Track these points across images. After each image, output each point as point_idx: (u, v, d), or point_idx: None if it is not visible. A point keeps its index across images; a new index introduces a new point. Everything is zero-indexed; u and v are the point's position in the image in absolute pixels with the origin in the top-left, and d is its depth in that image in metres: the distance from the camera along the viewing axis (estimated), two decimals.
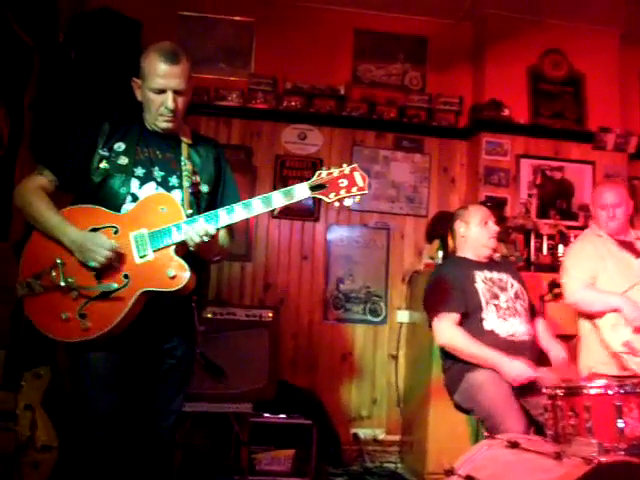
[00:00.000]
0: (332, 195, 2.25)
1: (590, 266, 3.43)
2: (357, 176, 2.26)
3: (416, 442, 4.38)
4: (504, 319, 3.13)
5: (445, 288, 3.22)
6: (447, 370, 3.24)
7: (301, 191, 2.25)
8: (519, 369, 2.93)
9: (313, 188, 2.25)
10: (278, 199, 2.25)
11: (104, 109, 2.48)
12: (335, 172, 2.26)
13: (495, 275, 3.28)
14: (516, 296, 3.25)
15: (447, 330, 3.12)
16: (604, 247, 3.48)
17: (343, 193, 2.24)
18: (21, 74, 3.77)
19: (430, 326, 3.25)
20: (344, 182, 2.25)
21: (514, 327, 3.12)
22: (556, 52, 5.22)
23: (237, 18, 5.08)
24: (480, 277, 3.24)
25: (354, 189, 2.25)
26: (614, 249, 3.47)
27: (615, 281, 3.38)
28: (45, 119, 3.85)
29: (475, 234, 3.38)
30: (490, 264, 3.39)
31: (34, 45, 3.84)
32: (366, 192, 2.26)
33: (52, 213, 2.29)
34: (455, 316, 3.13)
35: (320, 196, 2.25)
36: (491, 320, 3.12)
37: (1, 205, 3.46)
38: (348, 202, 2.26)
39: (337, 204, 2.25)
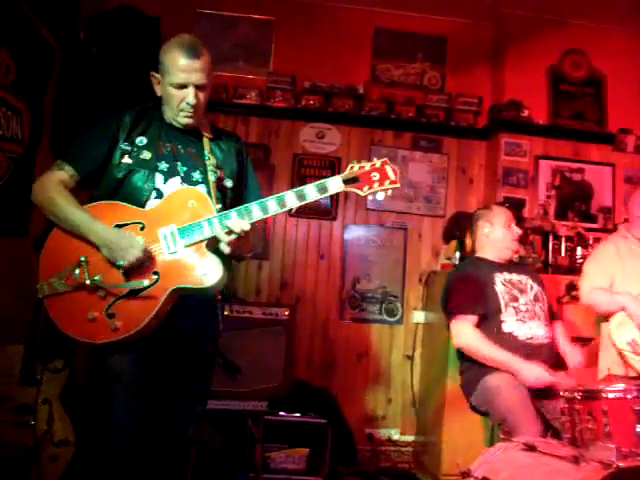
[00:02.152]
0: (366, 188, 2.25)
1: (607, 268, 3.43)
2: (389, 170, 2.27)
3: (431, 443, 4.36)
4: (523, 322, 3.11)
5: (464, 289, 3.21)
6: (464, 372, 3.23)
7: (335, 184, 2.24)
8: (537, 373, 2.92)
9: (346, 181, 2.25)
10: (312, 192, 2.23)
11: (124, 105, 2.44)
12: (367, 166, 2.26)
13: (515, 277, 3.26)
14: (535, 298, 3.23)
15: (465, 332, 3.11)
16: (627, 248, 3.46)
17: (376, 186, 2.25)
18: (42, 71, 3.80)
19: (448, 327, 3.23)
20: (376, 175, 2.25)
21: (533, 330, 3.11)
22: (577, 52, 5.18)
23: (256, 16, 5.09)
24: (500, 279, 3.22)
25: (387, 182, 2.25)
26: (638, 250, 3.45)
27: (633, 281, 3.36)
28: (66, 116, 3.88)
29: (499, 235, 3.36)
30: (509, 265, 3.37)
31: (55, 42, 3.86)
32: (398, 185, 2.26)
33: (76, 209, 2.22)
34: (473, 318, 3.12)
35: (354, 189, 2.25)
36: (510, 323, 3.11)
37: (21, 201, 3.48)
38: (380, 196, 2.27)
39: (370, 197, 2.27)
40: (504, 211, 3.47)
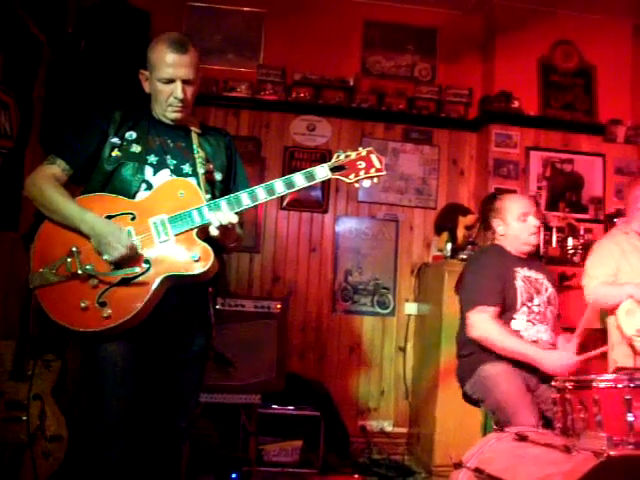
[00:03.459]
0: (352, 176, 2.31)
1: (610, 265, 3.40)
2: (374, 158, 2.33)
3: (424, 434, 4.38)
4: (533, 323, 3.05)
5: (484, 278, 3.08)
6: (462, 358, 3.18)
7: (322, 172, 2.30)
8: (561, 360, 2.88)
9: (333, 169, 2.31)
10: (300, 180, 2.28)
11: (114, 99, 2.45)
12: (352, 155, 2.33)
13: (533, 274, 3.15)
14: (549, 301, 3.14)
15: (483, 323, 2.99)
16: (628, 243, 3.46)
17: (362, 174, 2.31)
18: (30, 65, 3.77)
19: (462, 315, 3.15)
20: (362, 164, 2.32)
21: (539, 334, 3.04)
22: (567, 43, 5.19)
23: (246, 9, 5.06)
24: (520, 275, 3.10)
25: (372, 170, 2.32)
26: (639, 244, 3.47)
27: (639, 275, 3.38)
28: (55, 110, 3.86)
29: (515, 232, 3.18)
30: (529, 260, 3.22)
31: (43, 36, 3.84)
32: (384, 173, 2.34)
33: (67, 201, 2.24)
34: (493, 309, 3.01)
35: (340, 177, 2.31)
36: (520, 321, 3.04)
37: (11, 196, 3.47)
38: (367, 183, 2.33)
39: (357, 185, 2.32)
40: (517, 201, 3.27)
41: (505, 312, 3.05)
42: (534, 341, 3.03)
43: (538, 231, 3.26)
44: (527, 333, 3.04)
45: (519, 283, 3.08)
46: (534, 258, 3.32)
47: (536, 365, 2.91)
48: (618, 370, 2.87)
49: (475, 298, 3.07)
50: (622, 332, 3.27)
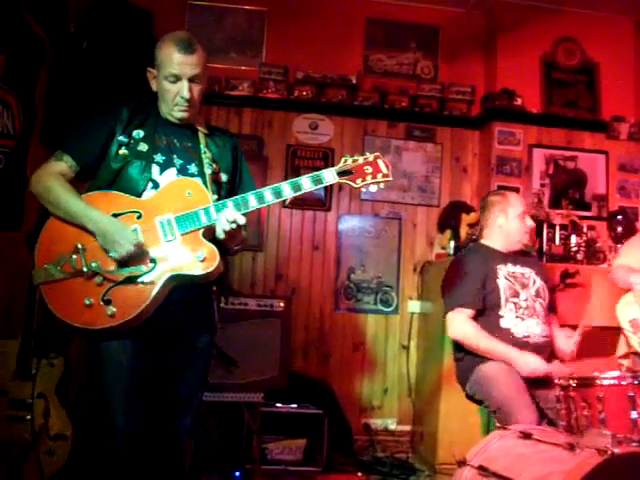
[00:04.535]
0: (359, 181, 2.32)
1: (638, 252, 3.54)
2: (380, 163, 2.34)
3: (427, 432, 4.38)
4: (521, 319, 3.07)
5: (464, 281, 3.15)
6: (459, 361, 3.22)
7: (329, 176, 2.31)
8: (533, 364, 2.92)
9: (340, 174, 2.31)
10: (307, 184, 2.29)
11: (117, 98, 2.45)
12: (360, 159, 2.34)
13: (518, 269, 3.19)
14: (537, 294, 3.17)
15: (460, 324, 3.08)
16: None
17: (369, 179, 2.33)
18: (33, 64, 3.78)
19: (445, 314, 3.22)
20: (369, 169, 2.33)
21: (530, 328, 3.07)
22: (569, 40, 5.18)
23: (248, 7, 5.06)
24: (503, 272, 3.14)
25: (379, 175, 2.33)
26: None
27: None
28: (57, 109, 3.86)
29: (513, 228, 3.24)
30: (516, 256, 3.27)
31: (46, 35, 3.84)
32: (390, 179, 2.34)
33: (74, 198, 2.24)
34: (470, 312, 3.08)
35: (348, 181, 2.32)
36: (508, 319, 3.07)
37: (14, 195, 3.47)
38: (373, 188, 2.34)
39: (364, 190, 2.34)
40: (520, 202, 3.32)
41: (490, 311, 3.10)
42: (526, 337, 3.05)
43: (529, 232, 3.34)
44: (517, 329, 3.07)
45: (501, 281, 3.13)
46: (521, 253, 3.35)
47: (511, 363, 2.96)
48: (627, 355, 2.94)
49: (454, 300, 3.16)
50: (619, 322, 3.31)
